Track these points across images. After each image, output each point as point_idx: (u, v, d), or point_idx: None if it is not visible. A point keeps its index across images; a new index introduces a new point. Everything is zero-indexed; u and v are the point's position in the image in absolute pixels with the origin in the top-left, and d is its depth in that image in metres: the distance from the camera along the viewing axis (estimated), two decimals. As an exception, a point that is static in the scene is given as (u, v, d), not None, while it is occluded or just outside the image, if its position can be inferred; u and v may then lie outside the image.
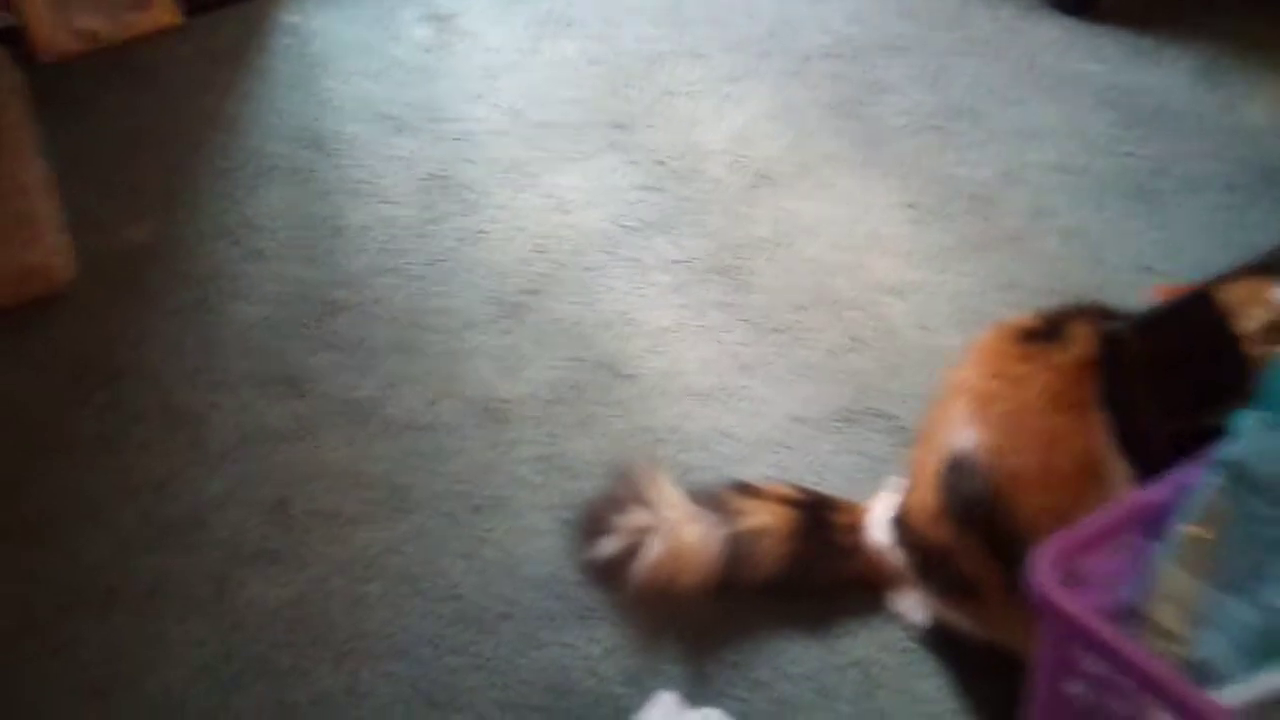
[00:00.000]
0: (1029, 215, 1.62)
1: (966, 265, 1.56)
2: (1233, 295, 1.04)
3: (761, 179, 1.73)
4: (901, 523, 1.16)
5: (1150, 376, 0.80)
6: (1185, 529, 0.74)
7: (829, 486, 1.32)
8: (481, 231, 1.68)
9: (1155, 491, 0.76)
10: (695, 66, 1.94)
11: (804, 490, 1.25)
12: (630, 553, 1.19)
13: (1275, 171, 1.66)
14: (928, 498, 1.11)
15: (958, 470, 1.08)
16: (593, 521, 1.24)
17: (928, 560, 1.12)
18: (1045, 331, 1.07)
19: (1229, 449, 0.73)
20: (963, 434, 1.07)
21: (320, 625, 1.23)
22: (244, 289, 1.62)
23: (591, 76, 1.94)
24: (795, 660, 1.16)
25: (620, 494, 1.24)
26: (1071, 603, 0.69)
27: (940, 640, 1.15)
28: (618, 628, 1.19)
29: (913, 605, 1.17)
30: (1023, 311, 1.44)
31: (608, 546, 1.20)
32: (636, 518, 1.20)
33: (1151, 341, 0.81)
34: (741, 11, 2.05)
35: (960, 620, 1.11)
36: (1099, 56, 1.87)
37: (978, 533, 1.06)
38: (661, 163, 1.77)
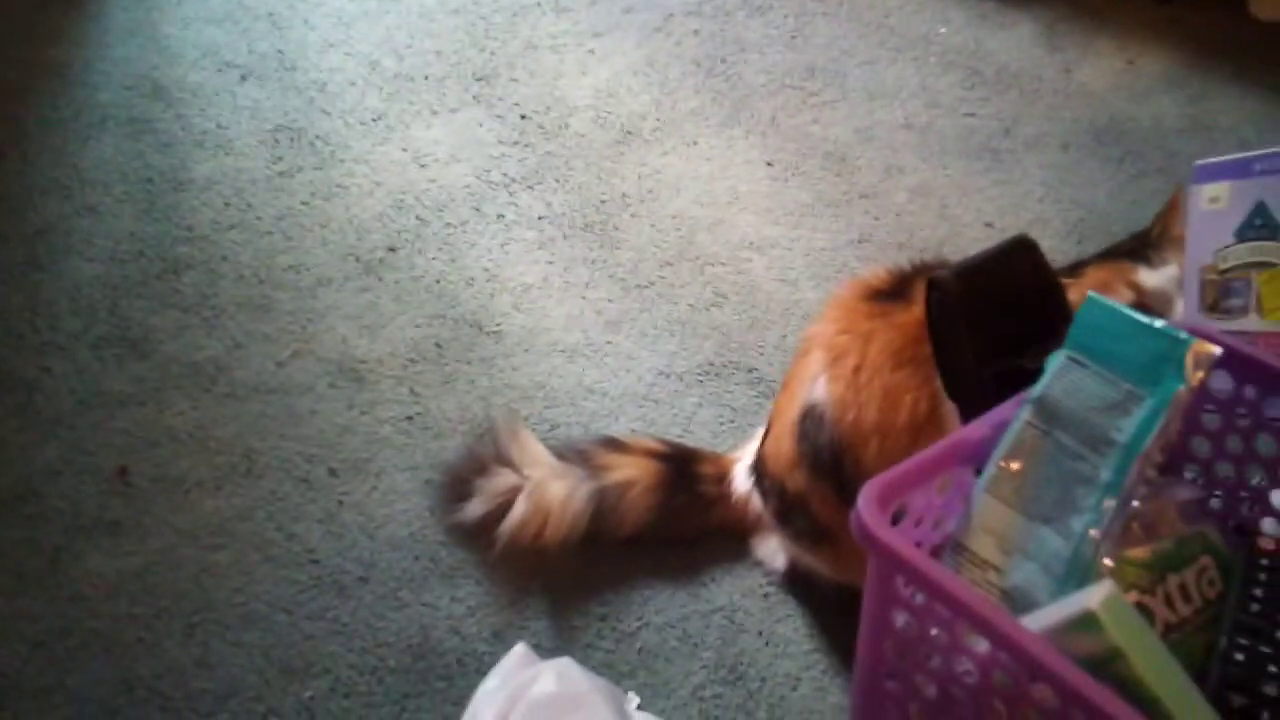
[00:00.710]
0: (880, 173, 1.63)
1: (822, 221, 1.56)
2: (1096, 277, 1.08)
3: (626, 135, 1.69)
4: (760, 470, 1.16)
5: (971, 320, 0.81)
6: (999, 463, 0.75)
7: (694, 439, 1.31)
8: (337, 186, 1.60)
9: (975, 429, 0.78)
10: (559, 20, 1.88)
11: (669, 443, 1.24)
12: (496, 513, 1.16)
13: (1107, 131, 1.71)
14: (785, 446, 1.11)
15: (810, 421, 1.08)
16: (457, 483, 1.20)
17: (785, 506, 1.12)
18: (892, 290, 1.09)
19: (1038, 386, 0.75)
20: (815, 386, 1.08)
21: (167, 596, 1.15)
22: (77, 245, 1.50)
23: (452, 27, 1.86)
24: (660, 609, 1.14)
25: (484, 454, 1.20)
26: (890, 535, 0.70)
27: (798, 584, 1.15)
28: (482, 586, 1.15)
29: (773, 551, 1.17)
30: (874, 265, 1.47)
31: (473, 508, 1.16)
32: (501, 478, 1.17)
33: (972, 286, 0.82)
34: (602, -33, 2.00)
35: (816, 564, 1.12)
36: (945, 19, 1.90)
37: (829, 480, 1.07)
38: (526, 117, 1.71)
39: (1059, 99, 1.76)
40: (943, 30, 1.88)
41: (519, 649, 0.97)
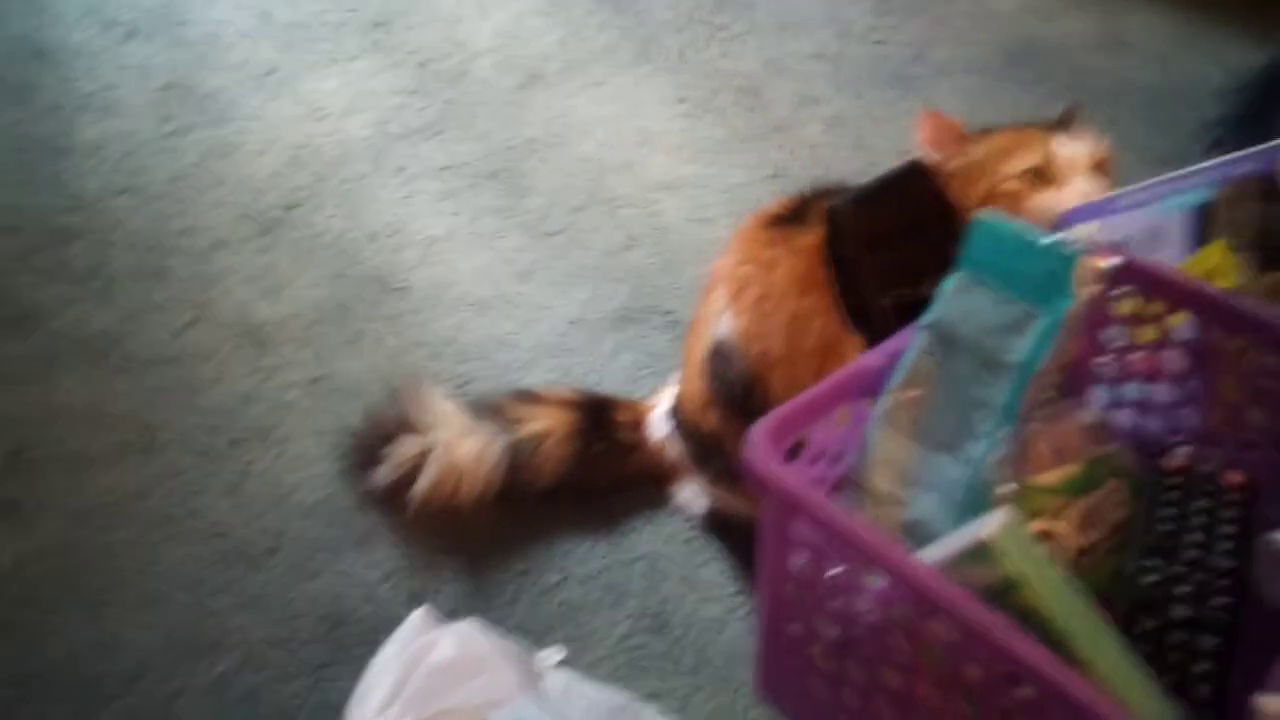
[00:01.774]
0: (793, 105, 1.59)
1: (736, 157, 1.52)
2: (1006, 139, 1.04)
3: (531, 78, 1.62)
4: (676, 413, 1.12)
5: (868, 248, 0.78)
6: (896, 393, 0.72)
7: (611, 386, 1.27)
8: (230, 144, 1.52)
9: (871, 359, 0.75)
10: (456, -37, 1.80)
11: (584, 392, 1.19)
12: (407, 477, 1.11)
13: (1017, 53, 1.68)
14: (696, 386, 1.08)
15: (719, 357, 1.05)
16: (366, 450, 1.14)
17: (701, 448, 1.08)
18: (791, 216, 1.05)
19: (932, 311, 0.72)
20: (722, 321, 1.05)
21: (67, 578, 1.09)
22: (-46, 219, 1.41)
23: (345, -24, 1.78)
24: (582, 561, 1.10)
25: (392, 418, 1.15)
26: (781, 473, 0.66)
27: (720, 527, 1.12)
28: (397, 549, 1.11)
29: (693, 495, 1.14)
30: (785, 194, 1.43)
31: (382, 474, 1.11)
32: (411, 442, 1.12)
33: (868, 215, 0.78)
34: (501, -95, 1.91)
35: (736, 504, 1.09)
36: (855, -55, 1.85)
37: (742, 417, 1.03)
38: (425, 64, 1.64)
39: (969, 23, 1.73)
40: (851, -43, 1.83)
41: (418, 613, 0.93)
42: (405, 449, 1.11)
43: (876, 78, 1.63)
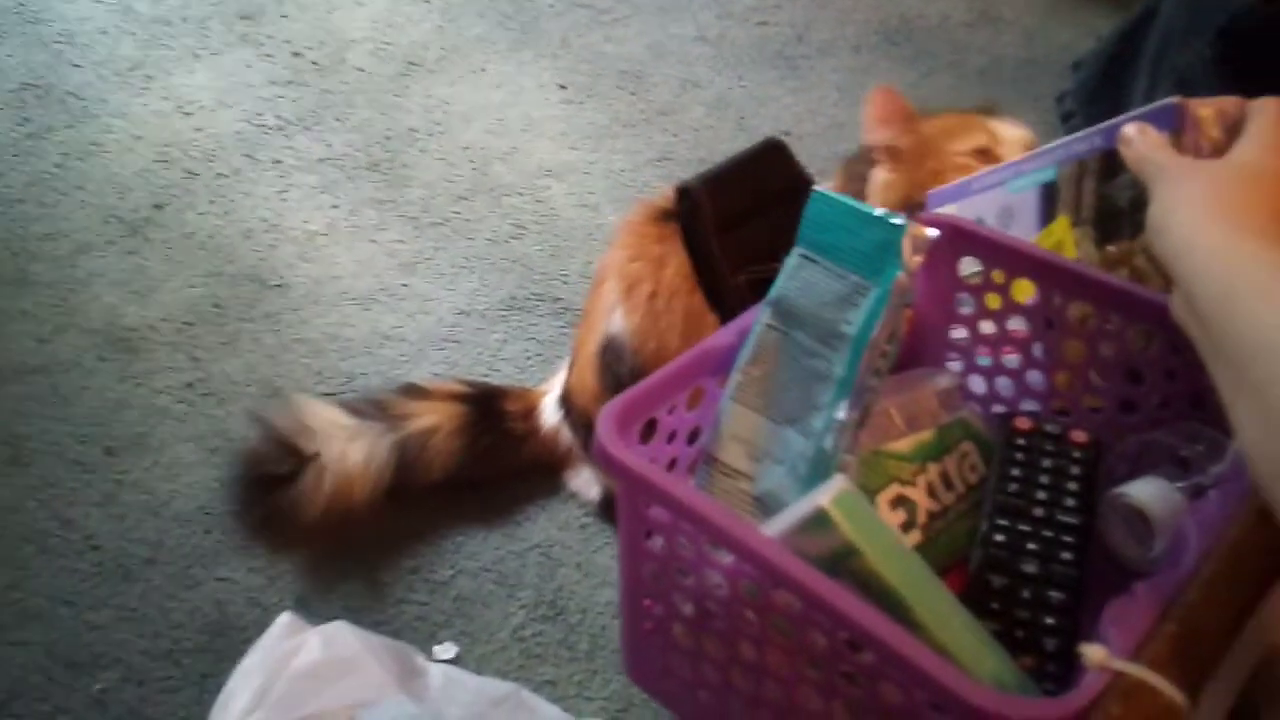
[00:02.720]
0: (676, 88, 1.59)
1: (619, 142, 1.52)
2: (950, 121, 1.08)
3: (409, 66, 1.60)
4: (567, 402, 1.12)
5: (722, 227, 0.78)
6: (743, 369, 0.73)
7: (501, 376, 1.26)
8: (93, 144, 1.46)
9: (721, 336, 0.75)
10: (328, -48, 1.76)
11: (473, 383, 1.18)
12: (297, 503, 1.07)
13: (896, 31, 1.72)
14: (588, 379, 1.07)
15: (611, 353, 1.05)
16: (251, 475, 1.10)
17: (592, 438, 1.08)
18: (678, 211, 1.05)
19: (774, 287, 0.73)
20: (613, 318, 1.05)
21: (-70, 604, 1.04)
22: None
23: (212, -34, 1.72)
24: (474, 554, 1.09)
25: (275, 437, 1.10)
26: (625, 454, 0.66)
27: (613, 512, 1.12)
28: (282, 552, 1.08)
29: (586, 482, 1.14)
30: (674, 183, 1.44)
31: (276, 500, 1.08)
32: (295, 459, 1.08)
33: (721, 193, 0.79)
34: (374, -108, 1.88)
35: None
36: (733, -73, 1.86)
37: None
38: (299, 54, 1.60)
39: (849, 3, 1.76)
40: (729, -62, 1.84)
41: (283, 618, 0.91)
42: (293, 463, 1.06)
43: (759, 59, 1.65)
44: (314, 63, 1.58)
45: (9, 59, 1.56)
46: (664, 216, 1.08)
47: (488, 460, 1.14)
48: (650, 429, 0.73)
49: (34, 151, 1.44)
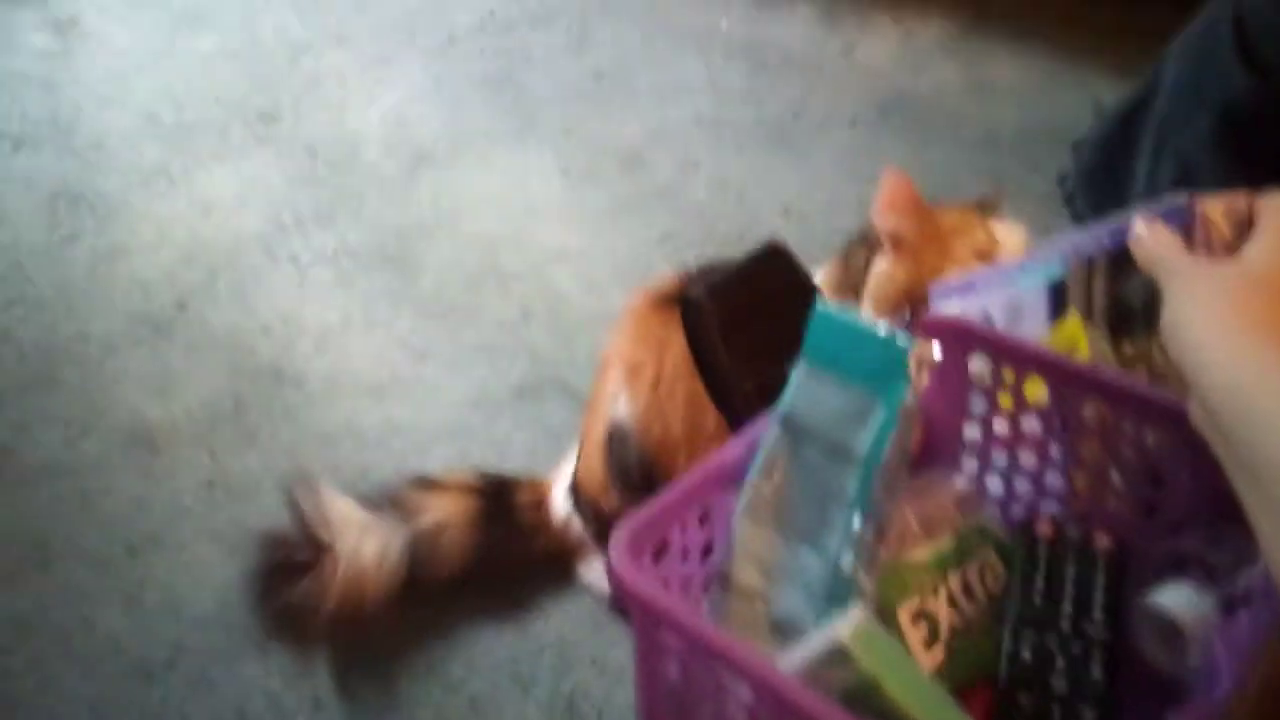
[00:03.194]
0: (677, 169, 1.60)
1: (622, 224, 1.52)
2: (955, 218, 1.06)
3: (419, 160, 1.61)
4: (576, 492, 1.10)
5: (728, 334, 0.77)
6: (754, 484, 0.71)
7: (513, 465, 1.24)
8: (121, 247, 1.48)
9: (731, 450, 0.73)
10: (341, 52, 1.80)
11: (485, 474, 1.17)
12: (312, 594, 1.06)
13: (891, 104, 1.72)
14: (596, 468, 1.06)
15: (616, 440, 1.04)
16: (268, 568, 1.10)
17: (604, 529, 1.07)
18: (680, 294, 1.04)
19: (783, 400, 0.71)
20: (617, 404, 1.04)
21: (-41, 710, 1.04)
22: None
23: (232, 71, 1.76)
24: (488, 652, 1.08)
25: (292, 531, 1.10)
26: (640, 582, 0.64)
27: (627, 606, 1.10)
28: (299, 653, 1.07)
29: (599, 574, 1.12)
30: (678, 262, 1.43)
31: (288, 595, 1.07)
32: (312, 550, 1.07)
33: (725, 300, 0.77)
34: (385, -8, 1.92)
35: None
36: (727, 11, 1.88)
37: (643, 500, 1.02)
38: (314, 154, 1.62)
39: (843, 78, 1.76)
40: (724, 23, 1.86)
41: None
42: (309, 561, 1.06)
43: (756, 138, 1.65)
44: (329, 161, 1.61)
45: (42, 168, 1.59)
46: (665, 302, 1.07)
47: (500, 553, 1.12)
48: (663, 546, 0.71)
49: (64, 256, 1.47)
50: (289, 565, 1.07)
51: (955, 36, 1.85)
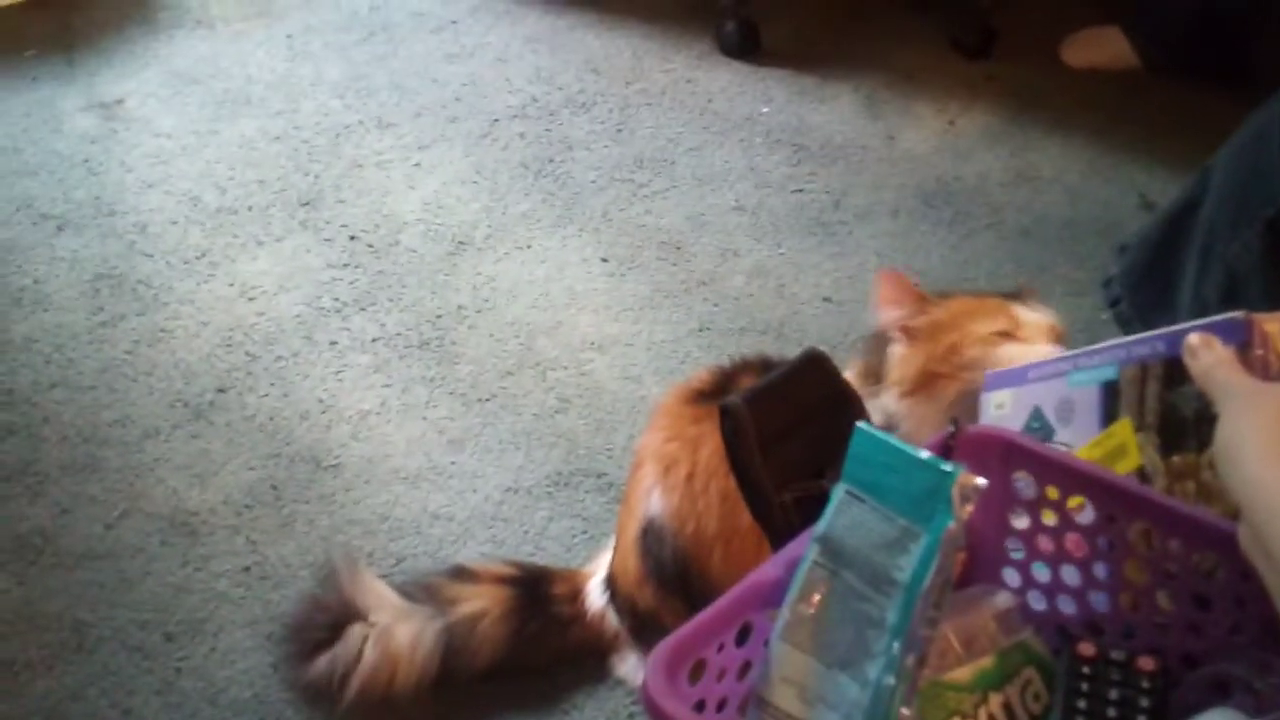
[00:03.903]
0: (715, 258, 1.69)
1: (661, 313, 1.60)
2: (970, 303, 1.14)
3: (458, 245, 1.71)
4: (611, 586, 1.16)
5: (767, 443, 0.82)
6: (792, 606, 0.74)
7: (548, 555, 1.31)
8: (162, 330, 1.59)
9: (769, 570, 0.76)
10: (383, 136, 1.92)
11: (520, 565, 1.24)
12: (342, 668, 1.13)
13: (933, 193, 1.80)
14: (630, 564, 1.13)
15: (651, 536, 1.10)
16: (300, 638, 1.17)
17: (638, 624, 1.13)
18: (714, 390, 1.12)
19: (822, 523, 0.74)
20: (651, 500, 1.10)
21: (-6, 796, 1.11)
22: (-117, 425, 1.46)
23: (274, 155, 1.88)
24: (521, 743, 1.13)
25: (325, 604, 1.18)
26: (677, 709, 0.67)
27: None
28: (330, 735, 1.14)
29: (633, 668, 1.18)
30: (716, 353, 1.51)
31: (318, 667, 1.14)
32: (346, 628, 1.15)
33: (763, 410, 0.83)
34: (426, 77, 2.04)
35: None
36: (767, 98, 1.98)
37: (678, 595, 1.08)
38: (355, 238, 1.73)
39: (885, 166, 1.85)
40: (765, 110, 1.96)
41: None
42: (343, 633, 1.14)
43: (796, 226, 1.74)
44: (369, 245, 1.71)
45: (85, 249, 1.71)
46: (699, 397, 1.14)
47: (535, 645, 1.18)
48: (699, 667, 0.74)
49: (106, 339, 1.57)
50: (321, 634, 1.15)
51: (999, 124, 1.94)
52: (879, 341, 1.16)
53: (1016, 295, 1.16)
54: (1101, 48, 2.04)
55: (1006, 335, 1.09)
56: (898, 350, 1.14)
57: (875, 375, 1.14)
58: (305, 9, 2.19)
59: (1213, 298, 1.26)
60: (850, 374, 1.17)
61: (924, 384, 1.10)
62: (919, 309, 1.13)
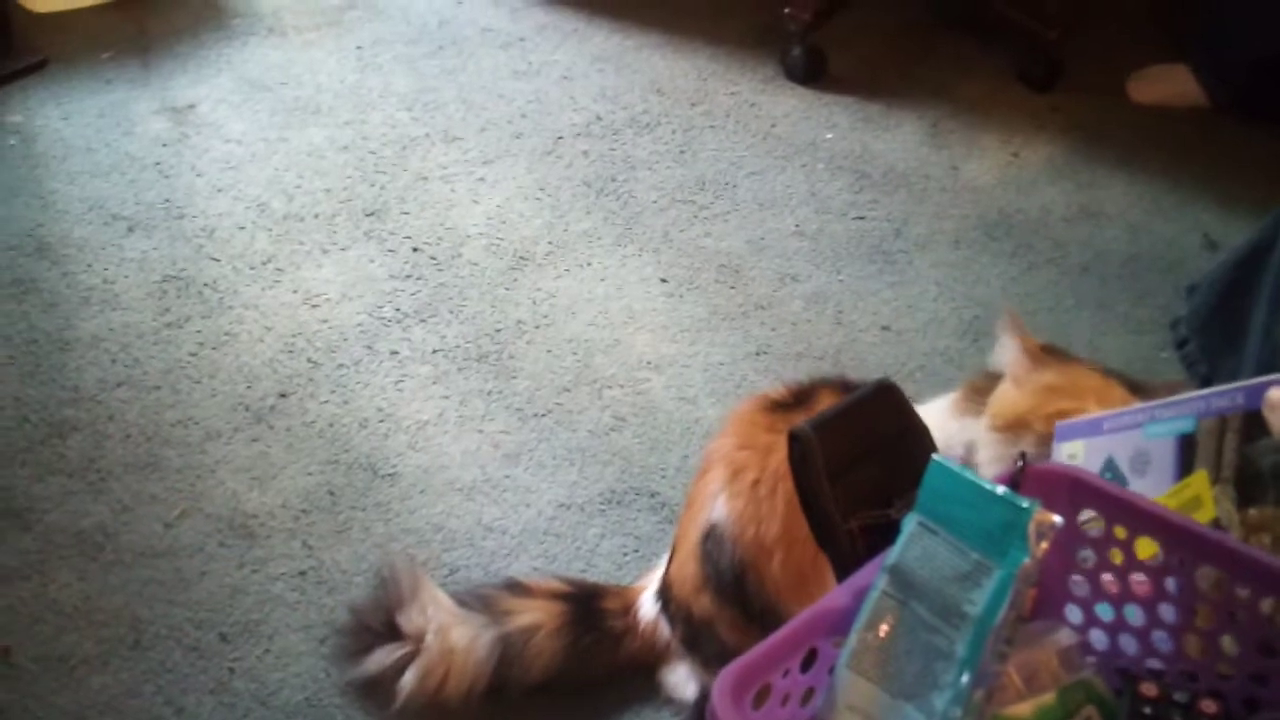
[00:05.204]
0: (774, 282, 1.69)
1: (719, 335, 1.61)
2: (1096, 383, 1.11)
3: (519, 260, 1.73)
4: (666, 594, 1.17)
5: (833, 471, 0.82)
6: (859, 635, 0.75)
7: (599, 572, 1.32)
8: (226, 334, 1.61)
9: (837, 598, 0.77)
10: (449, 149, 1.94)
11: (573, 581, 1.25)
12: (397, 666, 1.15)
13: (995, 225, 1.79)
14: (689, 569, 1.13)
15: (712, 541, 1.10)
16: (356, 635, 1.20)
17: (692, 632, 1.13)
18: (792, 402, 1.12)
19: (892, 553, 0.75)
20: (715, 505, 1.10)
21: (50, 787, 1.12)
22: (-44, 416, 1.49)
23: (341, 164, 1.91)
24: (569, 759, 1.14)
25: (384, 603, 1.20)
26: None
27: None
28: (381, 737, 1.15)
29: (683, 679, 1.18)
30: (772, 377, 1.51)
31: (375, 659, 1.16)
32: (409, 623, 1.17)
33: (832, 436, 0.83)
34: (493, 92, 2.06)
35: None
36: (831, 124, 1.98)
37: (734, 603, 1.08)
38: (418, 249, 1.75)
39: (947, 196, 1.84)
40: (829, 136, 1.96)
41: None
42: (400, 631, 1.16)
43: (857, 253, 1.74)
44: (432, 257, 1.73)
45: (154, 251, 1.74)
46: (775, 407, 1.14)
47: (588, 660, 1.20)
48: (764, 692, 0.75)
49: (172, 340, 1.60)
50: (378, 632, 1.17)
51: (1063, 158, 1.92)
52: (990, 379, 1.16)
53: (1140, 389, 1.13)
54: (1169, 85, 2.02)
55: None
56: (1008, 389, 1.14)
57: (980, 397, 1.15)
58: (375, 21, 2.22)
59: None
60: (958, 391, 1.19)
61: (1016, 428, 1.10)
62: (1037, 360, 1.13)
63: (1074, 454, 0.95)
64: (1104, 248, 1.77)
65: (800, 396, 1.14)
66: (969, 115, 2.02)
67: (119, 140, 1.96)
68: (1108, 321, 1.65)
